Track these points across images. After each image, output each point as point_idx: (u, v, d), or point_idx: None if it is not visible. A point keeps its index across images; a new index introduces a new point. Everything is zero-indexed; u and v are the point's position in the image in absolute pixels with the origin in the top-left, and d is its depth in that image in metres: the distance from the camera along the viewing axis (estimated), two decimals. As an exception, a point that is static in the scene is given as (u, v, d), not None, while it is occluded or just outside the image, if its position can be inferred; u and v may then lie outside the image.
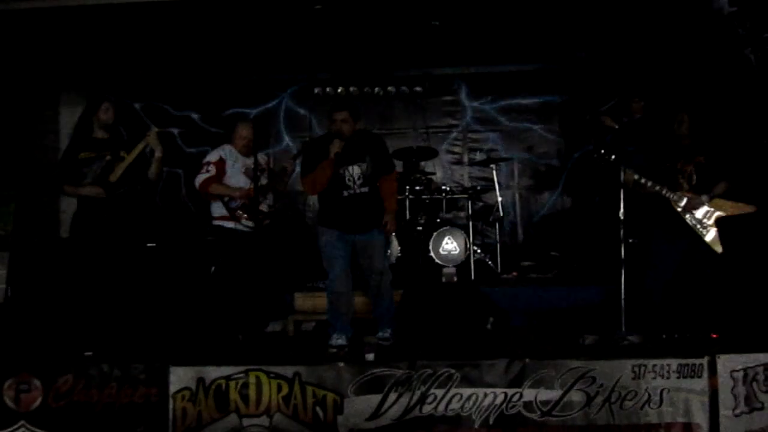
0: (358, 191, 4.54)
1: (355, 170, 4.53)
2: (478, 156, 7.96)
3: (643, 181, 4.67)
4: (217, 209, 5.00)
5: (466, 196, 7.06)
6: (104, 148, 4.75)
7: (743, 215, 4.67)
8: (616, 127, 5.11)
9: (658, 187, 4.68)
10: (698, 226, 4.61)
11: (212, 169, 4.95)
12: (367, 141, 4.66)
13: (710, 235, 4.59)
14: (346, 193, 4.53)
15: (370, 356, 3.94)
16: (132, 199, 4.79)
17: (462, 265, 6.45)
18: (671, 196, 4.68)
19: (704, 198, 4.61)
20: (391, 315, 4.70)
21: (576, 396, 3.78)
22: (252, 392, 3.80)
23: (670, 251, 4.75)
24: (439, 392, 3.79)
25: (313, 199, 8.00)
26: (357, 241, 4.62)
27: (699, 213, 4.64)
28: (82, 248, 4.72)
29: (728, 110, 5.51)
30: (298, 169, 5.20)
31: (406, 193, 6.74)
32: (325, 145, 4.47)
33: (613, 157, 4.65)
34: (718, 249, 4.57)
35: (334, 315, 4.60)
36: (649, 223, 4.87)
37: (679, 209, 4.68)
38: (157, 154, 4.77)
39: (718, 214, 4.61)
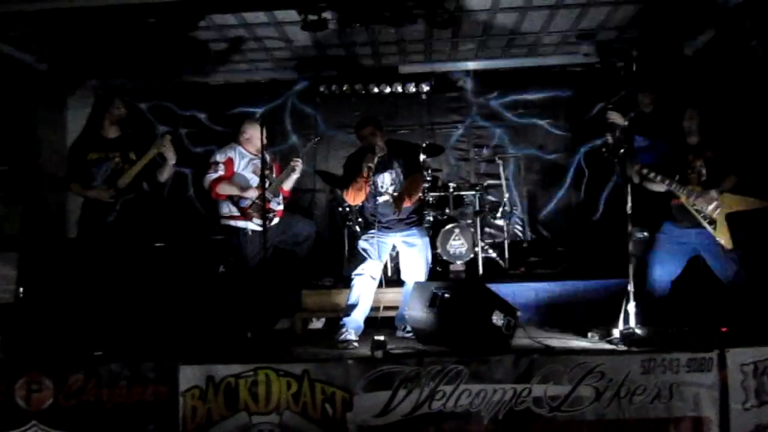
0: (389, 197, 4.84)
1: (387, 178, 4.86)
2: (485, 152, 7.95)
3: (651, 175, 4.65)
4: (226, 208, 5.01)
5: (472, 192, 7.05)
6: (113, 148, 4.79)
7: (753, 210, 4.64)
8: (625, 123, 5.09)
9: (667, 182, 4.66)
10: (707, 222, 4.59)
11: (221, 169, 4.97)
12: (395, 149, 4.94)
13: (720, 230, 4.57)
14: (380, 200, 4.86)
15: (379, 353, 3.94)
16: (139, 200, 4.83)
17: (470, 262, 6.45)
18: (680, 190, 4.66)
19: (713, 193, 4.59)
20: None
21: (585, 391, 3.78)
22: (261, 390, 3.82)
23: (679, 246, 4.74)
24: (448, 389, 3.79)
25: (320, 198, 8.03)
26: (398, 241, 4.89)
27: (708, 208, 4.61)
28: (89, 249, 4.76)
29: (736, 103, 5.48)
30: (304, 167, 5.25)
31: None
32: (360, 159, 4.77)
33: (622, 151, 4.65)
34: (728, 245, 4.55)
35: (351, 309, 4.71)
36: (657, 218, 4.86)
37: (688, 205, 4.66)
38: (170, 161, 4.81)
39: (727, 209, 4.59)
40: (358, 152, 4.95)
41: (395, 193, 4.83)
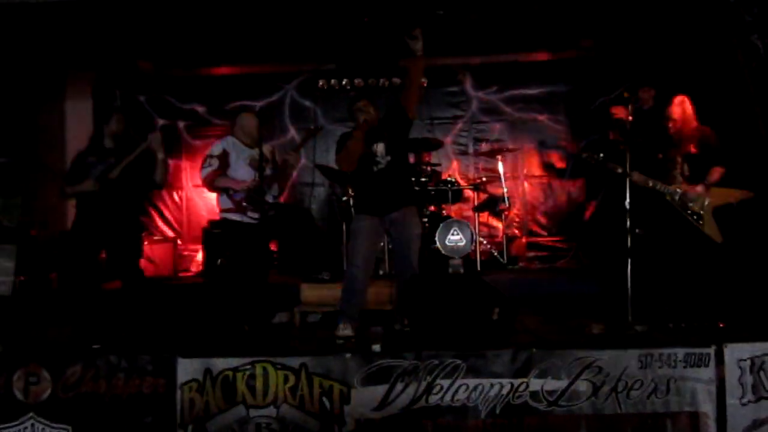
0: (385, 164, 4.68)
1: (381, 146, 4.69)
2: (484, 146, 7.94)
3: (635, 177, 4.66)
4: (223, 202, 5.01)
5: (471, 187, 7.05)
6: (110, 154, 4.86)
7: (747, 204, 4.65)
8: (630, 118, 5.10)
9: (651, 183, 4.67)
10: (695, 218, 4.60)
11: (216, 162, 4.96)
12: (385, 118, 4.81)
13: (708, 225, 4.57)
14: (376, 168, 4.69)
15: (377, 347, 3.94)
16: (133, 193, 4.87)
17: (468, 256, 6.45)
18: (665, 189, 4.67)
19: (699, 189, 4.59)
20: None
21: (582, 386, 3.78)
22: (259, 383, 3.82)
23: (672, 241, 4.75)
24: (446, 382, 3.79)
25: (318, 191, 8.03)
26: (391, 225, 4.71)
27: (695, 205, 4.62)
28: (84, 242, 4.80)
29: (733, 97, 5.46)
30: (303, 161, 5.24)
31: (412, 185, 6.74)
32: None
33: (601, 155, 4.69)
34: (718, 239, 4.55)
35: (347, 302, 4.64)
36: (649, 214, 4.87)
37: (675, 203, 4.66)
38: (159, 156, 4.83)
39: (714, 203, 4.58)
40: (351, 132, 4.80)
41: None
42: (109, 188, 4.72)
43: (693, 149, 4.71)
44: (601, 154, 4.72)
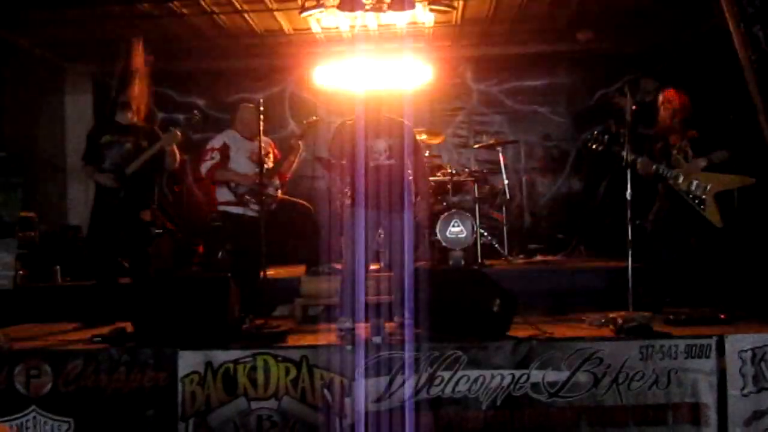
0: (384, 162, 4.67)
1: (381, 143, 4.67)
2: (485, 139, 7.92)
3: (639, 160, 4.66)
4: (223, 194, 5.01)
5: (472, 179, 7.03)
6: (126, 134, 4.89)
7: (748, 195, 4.64)
8: (634, 107, 5.08)
9: (654, 167, 4.67)
10: (697, 202, 4.59)
11: (217, 156, 4.96)
12: (392, 124, 4.79)
13: (709, 210, 4.57)
14: (372, 164, 4.66)
15: (377, 339, 3.94)
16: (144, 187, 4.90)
17: (469, 249, 6.44)
18: (669, 173, 4.67)
19: (702, 162, 4.60)
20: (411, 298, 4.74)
21: (583, 377, 3.79)
22: (260, 376, 3.83)
23: (675, 230, 4.74)
24: (447, 374, 3.80)
25: (320, 185, 8.01)
26: (385, 218, 4.70)
27: (698, 189, 4.61)
28: (99, 237, 4.83)
29: (733, 88, 5.45)
30: (303, 154, 5.22)
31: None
32: (350, 129, 4.66)
33: (607, 137, 4.70)
34: (719, 223, 4.55)
35: (346, 296, 4.63)
36: (652, 204, 4.86)
37: (677, 187, 4.66)
38: (169, 149, 4.90)
39: (716, 188, 4.58)
40: (347, 123, 4.80)
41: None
42: (122, 182, 4.77)
43: (695, 133, 4.71)
44: (606, 136, 4.71)
